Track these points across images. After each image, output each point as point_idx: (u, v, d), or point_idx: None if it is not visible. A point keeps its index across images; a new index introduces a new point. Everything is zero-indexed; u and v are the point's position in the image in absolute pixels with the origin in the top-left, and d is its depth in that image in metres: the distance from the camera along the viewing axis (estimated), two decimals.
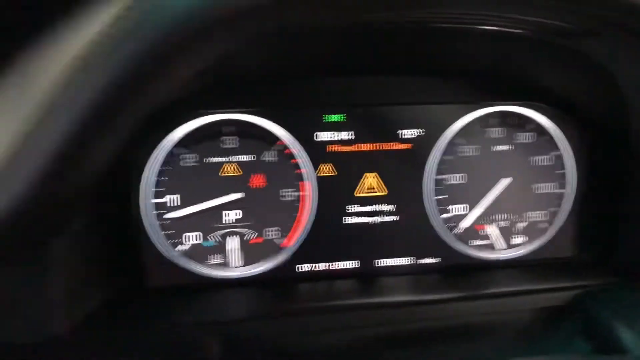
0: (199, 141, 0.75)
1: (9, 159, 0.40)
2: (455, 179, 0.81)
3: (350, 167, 0.79)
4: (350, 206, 0.80)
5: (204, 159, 0.75)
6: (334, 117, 0.77)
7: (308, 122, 0.77)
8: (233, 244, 0.78)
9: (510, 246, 0.84)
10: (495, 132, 0.81)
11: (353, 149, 0.79)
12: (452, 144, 0.80)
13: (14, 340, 0.60)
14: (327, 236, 0.80)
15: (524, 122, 0.82)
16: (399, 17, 0.59)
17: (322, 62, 0.73)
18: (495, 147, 0.82)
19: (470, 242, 0.83)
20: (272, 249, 0.79)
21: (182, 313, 0.71)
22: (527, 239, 0.84)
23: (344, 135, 0.78)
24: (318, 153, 0.78)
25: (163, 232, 0.75)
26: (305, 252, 0.80)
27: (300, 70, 0.75)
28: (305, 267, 0.80)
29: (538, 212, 0.84)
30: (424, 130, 0.79)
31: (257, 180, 0.77)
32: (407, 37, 0.66)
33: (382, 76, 0.77)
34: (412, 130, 0.79)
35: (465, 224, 0.82)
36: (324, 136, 0.77)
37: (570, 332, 0.75)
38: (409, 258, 0.82)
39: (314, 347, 0.76)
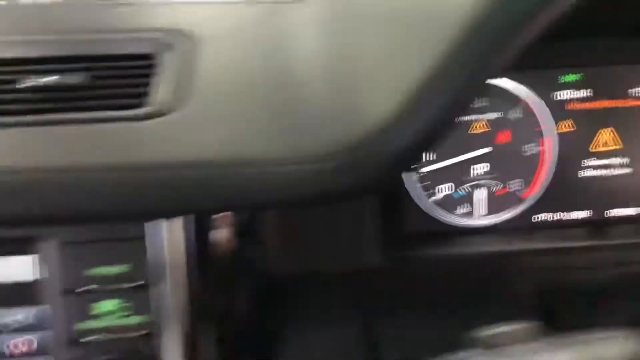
0: None
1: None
2: None
3: (587, 123, 0.86)
4: (585, 160, 0.87)
5: None
6: (570, 77, 0.85)
7: (547, 82, 0.85)
8: (480, 195, 0.88)
9: None
10: None
11: (590, 106, 0.86)
12: None
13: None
14: (564, 189, 0.88)
15: None
16: None
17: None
18: None
19: None
20: (514, 200, 0.88)
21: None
22: None
23: (581, 93, 0.86)
24: (557, 111, 0.86)
25: (419, 184, 0.86)
26: (542, 203, 0.88)
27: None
28: (541, 217, 0.89)
29: None
30: None
31: (503, 137, 0.86)
32: None
33: (617, 38, 0.84)
34: None
35: None
36: (562, 95, 0.85)
37: None
38: (639, 208, 0.89)
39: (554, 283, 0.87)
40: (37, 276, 0.64)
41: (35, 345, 0.65)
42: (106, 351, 0.63)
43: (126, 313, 0.64)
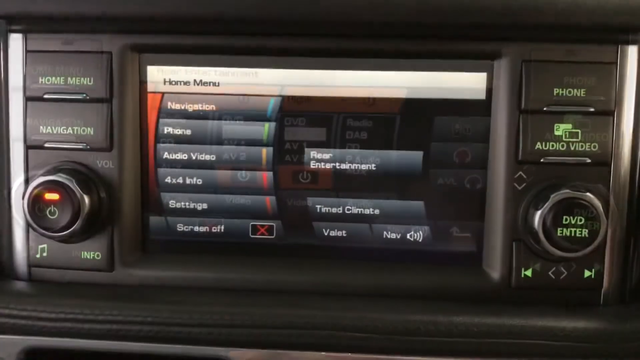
0: None
1: None
2: None
3: None
4: None
5: None
6: None
7: None
8: None
9: None
10: None
11: None
12: None
13: None
14: None
15: None
16: None
17: None
18: None
19: None
20: None
21: None
22: None
23: None
24: None
25: None
26: None
27: None
28: None
29: None
30: None
31: None
32: None
33: None
34: None
35: None
36: None
37: None
38: None
39: None
40: (485, 95, 0.65)
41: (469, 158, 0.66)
42: (557, 176, 0.63)
43: (577, 139, 0.63)
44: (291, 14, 0.60)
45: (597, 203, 0.60)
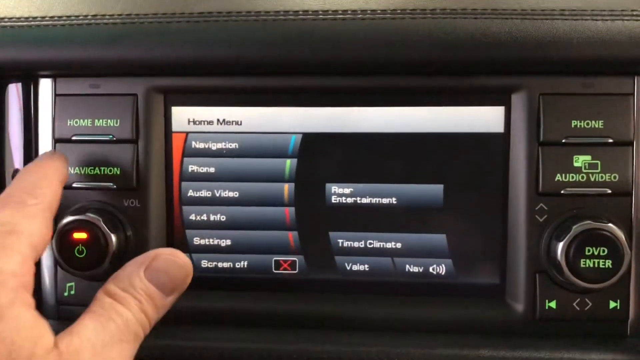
0: None
1: None
2: None
3: None
4: None
5: None
6: None
7: None
8: None
9: None
10: None
11: None
12: None
13: None
14: None
15: None
16: None
17: None
18: None
19: None
20: None
21: None
22: None
23: None
24: None
25: None
26: None
27: None
28: None
29: None
30: None
31: None
32: None
33: None
34: None
35: None
36: None
37: None
38: None
39: None
40: (504, 129, 0.65)
41: (490, 191, 0.67)
42: (578, 207, 0.63)
43: (596, 170, 0.63)
44: (311, 56, 0.61)
45: (620, 233, 0.60)
